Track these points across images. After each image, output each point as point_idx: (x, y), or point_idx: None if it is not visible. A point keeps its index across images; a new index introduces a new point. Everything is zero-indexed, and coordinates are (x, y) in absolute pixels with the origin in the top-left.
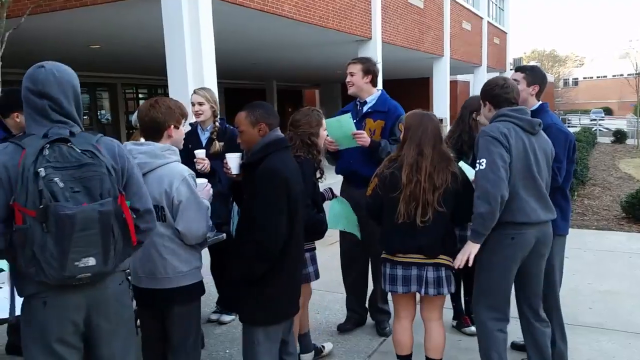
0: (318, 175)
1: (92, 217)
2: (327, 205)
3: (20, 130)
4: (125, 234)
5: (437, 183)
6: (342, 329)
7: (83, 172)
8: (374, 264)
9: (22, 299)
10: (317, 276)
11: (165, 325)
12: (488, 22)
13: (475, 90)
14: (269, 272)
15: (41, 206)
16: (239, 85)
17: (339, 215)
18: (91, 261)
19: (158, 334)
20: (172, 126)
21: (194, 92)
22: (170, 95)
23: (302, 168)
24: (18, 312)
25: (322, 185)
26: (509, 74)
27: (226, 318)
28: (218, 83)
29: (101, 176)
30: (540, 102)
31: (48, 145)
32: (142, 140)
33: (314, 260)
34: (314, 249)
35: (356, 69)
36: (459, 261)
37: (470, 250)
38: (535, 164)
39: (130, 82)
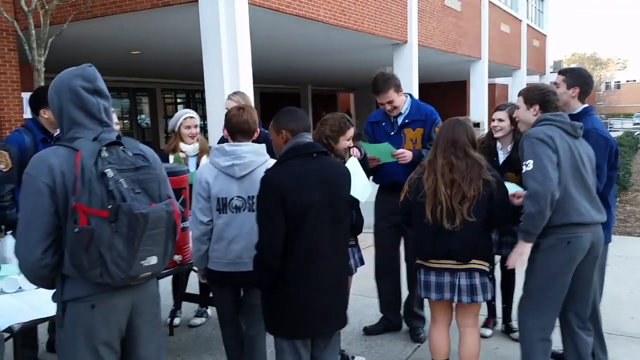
0: None
1: (162, 217)
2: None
3: (52, 125)
4: (176, 234)
5: (468, 194)
6: (370, 330)
7: (140, 174)
8: (409, 269)
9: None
10: (361, 262)
11: (249, 298)
12: (527, 24)
13: (514, 93)
14: (275, 285)
15: (109, 207)
16: (274, 90)
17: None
18: (153, 260)
19: (236, 311)
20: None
21: (228, 97)
22: (207, 100)
23: None
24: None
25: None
26: (549, 77)
27: None
28: (253, 87)
29: (158, 178)
30: (584, 105)
31: (105, 148)
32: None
33: (352, 253)
34: (354, 245)
35: (393, 95)
36: (513, 261)
37: (523, 251)
38: (582, 166)
39: (169, 87)
